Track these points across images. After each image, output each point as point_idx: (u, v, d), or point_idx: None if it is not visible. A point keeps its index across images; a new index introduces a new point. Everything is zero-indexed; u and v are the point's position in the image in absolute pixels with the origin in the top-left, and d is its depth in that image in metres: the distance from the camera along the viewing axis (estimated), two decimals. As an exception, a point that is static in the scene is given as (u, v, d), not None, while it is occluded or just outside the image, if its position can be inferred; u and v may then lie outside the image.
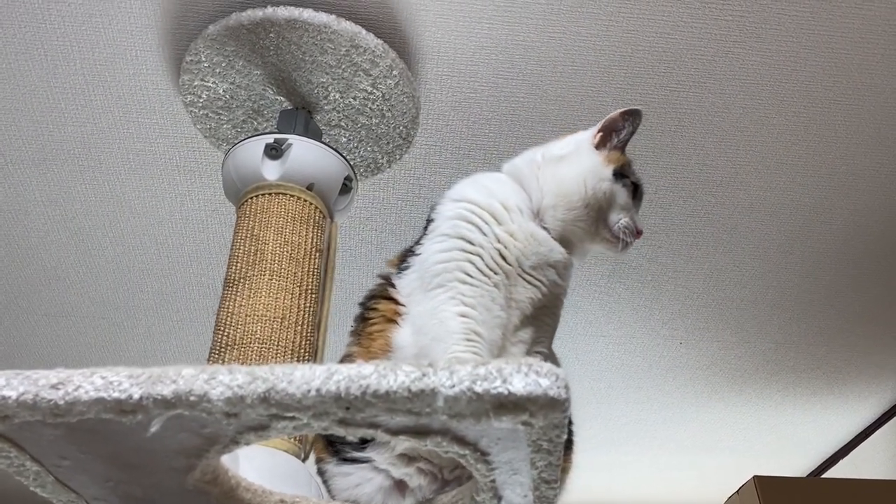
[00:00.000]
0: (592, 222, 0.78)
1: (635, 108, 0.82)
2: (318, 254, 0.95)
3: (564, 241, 0.78)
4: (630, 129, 0.82)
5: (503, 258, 0.74)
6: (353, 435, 0.56)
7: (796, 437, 2.06)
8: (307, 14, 1.01)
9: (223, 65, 1.07)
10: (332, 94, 1.10)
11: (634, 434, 1.99)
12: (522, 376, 0.51)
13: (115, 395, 0.51)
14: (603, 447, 2.12)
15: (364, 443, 0.75)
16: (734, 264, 1.53)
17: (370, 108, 1.12)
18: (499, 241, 0.75)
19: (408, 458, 0.74)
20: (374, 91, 1.09)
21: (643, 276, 1.55)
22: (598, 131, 0.82)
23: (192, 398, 0.51)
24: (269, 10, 1.00)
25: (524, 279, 0.75)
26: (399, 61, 1.06)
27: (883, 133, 1.26)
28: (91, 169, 1.28)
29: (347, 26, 1.02)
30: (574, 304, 1.62)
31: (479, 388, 0.51)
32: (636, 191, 0.82)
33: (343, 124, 1.15)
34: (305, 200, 0.98)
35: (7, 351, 1.65)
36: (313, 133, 1.09)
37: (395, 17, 1.04)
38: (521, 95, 1.16)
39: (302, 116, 1.11)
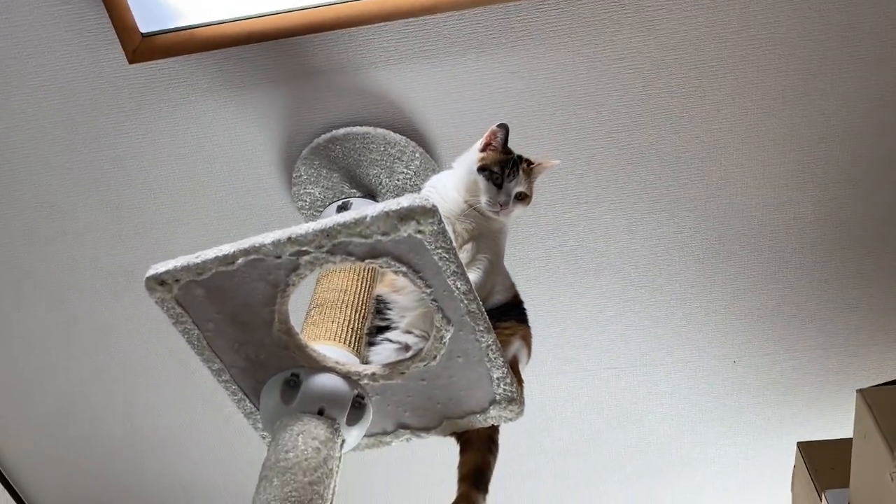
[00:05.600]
0: (473, 198, 1.24)
1: (503, 122, 1.28)
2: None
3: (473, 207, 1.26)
4: (502, 136, 1.28)
5: (444, 210, 1.24)
6: (339, 261, 1.04)
7: None
8: (355, 129, 1.62)
9: (315, 175, 1.68)
10: (384, 180, 1.68)
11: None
12: (408, 199, 0.99)
13: (223, 252, 1.04)
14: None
15: (383, 331, 1.22)
16: (744, 274, 1.85)
17: (409, 185, 1.68)
18: (439, 202, 1.25)
19: (407, 330, 1.20)
20: (408, 171, 1.66)
21: (668, 295, 1.89)
22: (483, 140, 1.29)
23: (256, 245, 1.03)
24: (333, 131, 1.63)
25: (458, 220, 1.24)
26: (418, 147, 1.63)
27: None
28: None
29: (380, 131, 1.61)
30: (622, 335, 1.97)
31: (387, 209, 0.99)
32: (501, 177, 1.24)
33: (396, 201, 1.71)
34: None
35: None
36: (377, 209, 1.66)
37: (410, 119, 1.63)
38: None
39: (369, 200, 1.70)
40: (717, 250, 1.80)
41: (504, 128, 1.28)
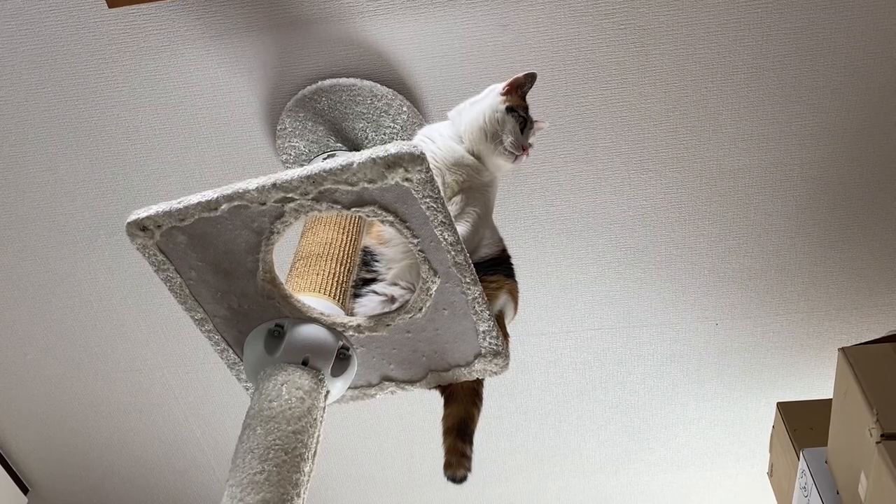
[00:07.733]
0: (490, 141, 1.22)
1: (532, 72, 1.27)
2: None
3: (475, 154, 1.24)
4: (529, 85, 1.27)
5: (435, 160, 1.22)
6: (325, 209, 1.02)
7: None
8: (342, 81, 1.59)
9: (300, 127, 1.65)
10: (370, 134, 1.65)
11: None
12: (396, 146, 0.97)
13: (206, 198, 1.02)
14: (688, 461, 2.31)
15: (369, 283, 1.21)
16: (729, 236, 1.85)
17: (396, 140, 1.65)
18: (432, 151, 1.23)
19: (393, 283, 1.19)
20: (394, 125, 1.63)
21: (653, 256, 1.89)
22: (507, 85, 1.28)
23: (240, 190, 1.01)
24: (319, 83, 1.60)
25: (449, 171, 1.22)
26: (405, 101, 1.61)
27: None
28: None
29: (367, 84, 1.58)
30: (606, 295, 1.97)
31: (374, 155, 0.97)
32: (525, 123, 1.24)
33: (382, 156, 1.69)
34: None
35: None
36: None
37: (398, 71, 1.60)
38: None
39: (354, 155, 1.67)
40: (703, 211, 1.80)
41: (533, 77, 1.27)
